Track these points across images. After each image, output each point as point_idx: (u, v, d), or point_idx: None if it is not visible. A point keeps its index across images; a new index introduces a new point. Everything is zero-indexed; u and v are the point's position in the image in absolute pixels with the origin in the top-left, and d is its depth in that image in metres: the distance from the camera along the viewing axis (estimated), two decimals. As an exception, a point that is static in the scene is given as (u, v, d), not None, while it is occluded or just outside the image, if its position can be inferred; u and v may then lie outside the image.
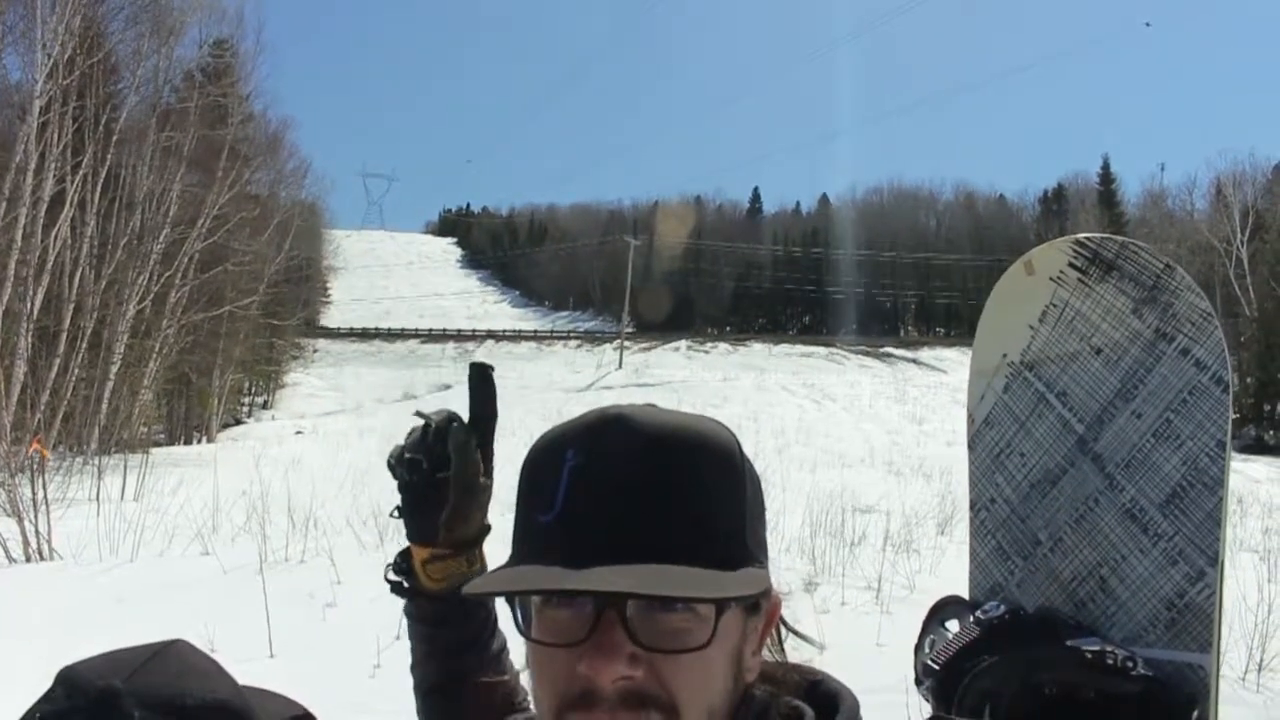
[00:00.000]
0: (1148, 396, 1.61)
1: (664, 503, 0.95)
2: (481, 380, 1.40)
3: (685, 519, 0.95)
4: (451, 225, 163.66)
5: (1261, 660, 7.93)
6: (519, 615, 1.00)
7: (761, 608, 1.03)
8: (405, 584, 1.42)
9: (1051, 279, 1.74)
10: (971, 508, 1.79)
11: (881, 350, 74.49)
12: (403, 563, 1.41)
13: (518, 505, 1.04)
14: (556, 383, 55.91)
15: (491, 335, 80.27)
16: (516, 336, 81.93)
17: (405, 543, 1.43)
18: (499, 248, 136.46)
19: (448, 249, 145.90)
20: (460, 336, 78.31)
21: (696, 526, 0.96)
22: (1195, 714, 1.40)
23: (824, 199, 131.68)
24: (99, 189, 29.41)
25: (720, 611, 0.94)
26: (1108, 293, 1.68)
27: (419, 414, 1.40)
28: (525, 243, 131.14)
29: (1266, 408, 49.22)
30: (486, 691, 1.43)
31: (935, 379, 57.56)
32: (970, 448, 1.81)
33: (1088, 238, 1.72)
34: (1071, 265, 1.72)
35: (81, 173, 28.21)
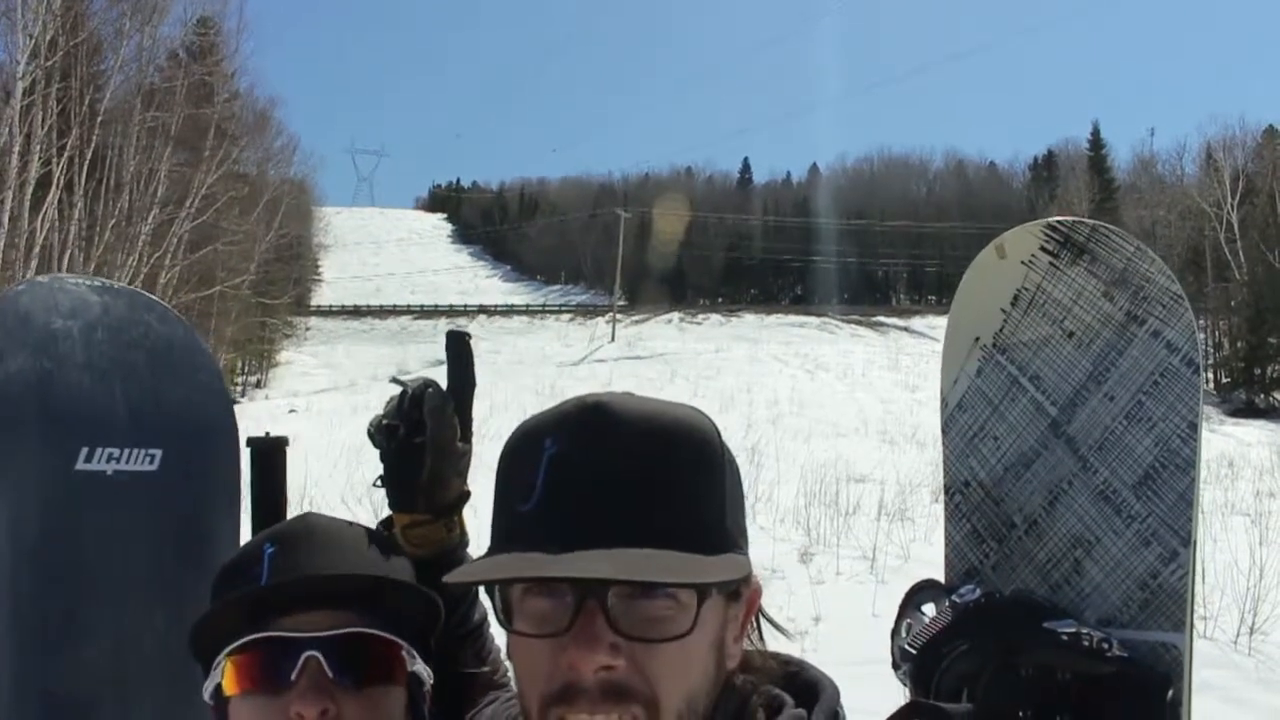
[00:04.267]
0: (1120, 379, 1.61)
1: (643, 490, 0.95)
2: (458, 348, 1.42)
3: (664, 506, 0.95)
4: (442, 201, 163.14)
5: (1253, 624, 7.99)
6: (500, 605, 1.00)
7: (742, 595, 1.04)
8: None
9: (1023, 263, 1.74)
10: (946, 491, 1.80)
11: (874, 319, 74.41)
12: (384, 531, 1.42)
13: (496, 495, 1.04)
14: (550, 357, 55.80)
15: (484, 310, 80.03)
16: (509, 311, 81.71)
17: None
18: (489, 222, 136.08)
19: (438, 224, 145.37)
20: (452, 312, 77.96)
21: (676, 513, 0.96)
22: (1170, 693, 1.42)
23: (814, 168, 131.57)
24: (85, 170, 29.20)
25: (702, 598, 0.94)
26: (1079, 276, 1.68)
27: (395, 381, 1.42)
28: (516, 217, 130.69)
29: (1257, 371, 49.38)
30: (468, 663, 1.45)
31: (928, 347, 57.50)
32: (944, 431, 1.81)
33: (1060, 221, 1.72)
34: (1043, 249, 1.72)
35: (67, 154, 28.01)
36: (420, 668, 1.24)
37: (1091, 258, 1.66)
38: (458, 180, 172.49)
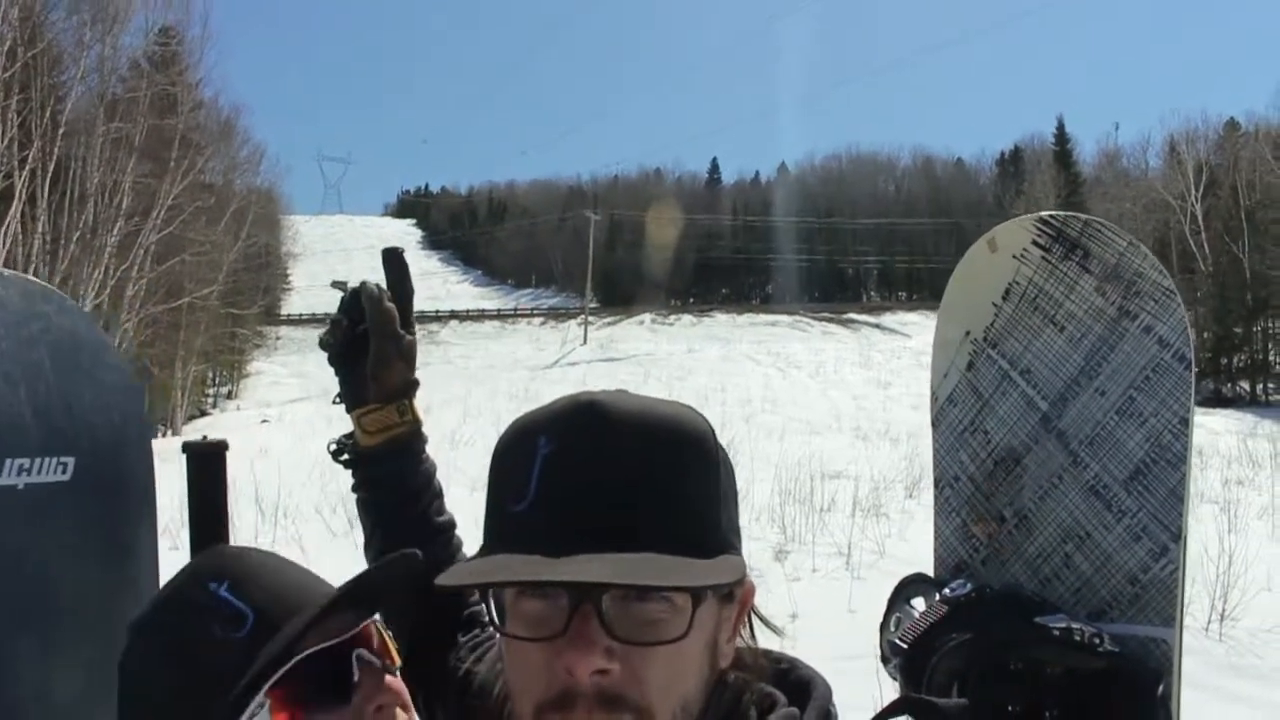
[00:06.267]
0: (1111, 374, 1.62)
1: (639, 490, 0.93)
2: (393, 261, 1.51)
3: (661, 507, 0.94)
4: (410, 206, 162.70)
5: (1224, 611, 8.11)
6: (493, 608, 0.98)
7: (736, 595, 1.02)
8: (346, 448, 1.49)
9: (1015, 257, 1.74)
10: (936, 485, 1.80)
11: (845, 317, 74.69)
12: (345, 438, 1.49)
13: (489, 495, 1.02)
14: (522, 360, 55.67)
15: (455, 315, 79.65)
16: (480, 316, 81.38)
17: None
18: (458, 227, 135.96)
19: (407, 230, 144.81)
20: (423, 318, 77.12)
21: (672, 514, 0.94)
22: (1160, 688, 1.41)
23: (783, 167, 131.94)
24: (48, 183, 28.86)
25: (697, 602, 0.93)
26: (1071, 270, 1.68)
27: (336, 284, 1.53)
28: (485, 221, 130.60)
29: (1224, 361, 50.02)
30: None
31: (899, 343, 57.89)
32: (934, 425, 1.81)
33: (1052, 216, 1.72)
34: (1035, 243, 1.72)
35: (29, 167, 27.69)
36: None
37: (1084, 252, 1.66)
38: (426, 185, 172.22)
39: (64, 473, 1.50)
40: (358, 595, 1.15)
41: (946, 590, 1.49)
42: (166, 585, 1.20)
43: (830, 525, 12.16)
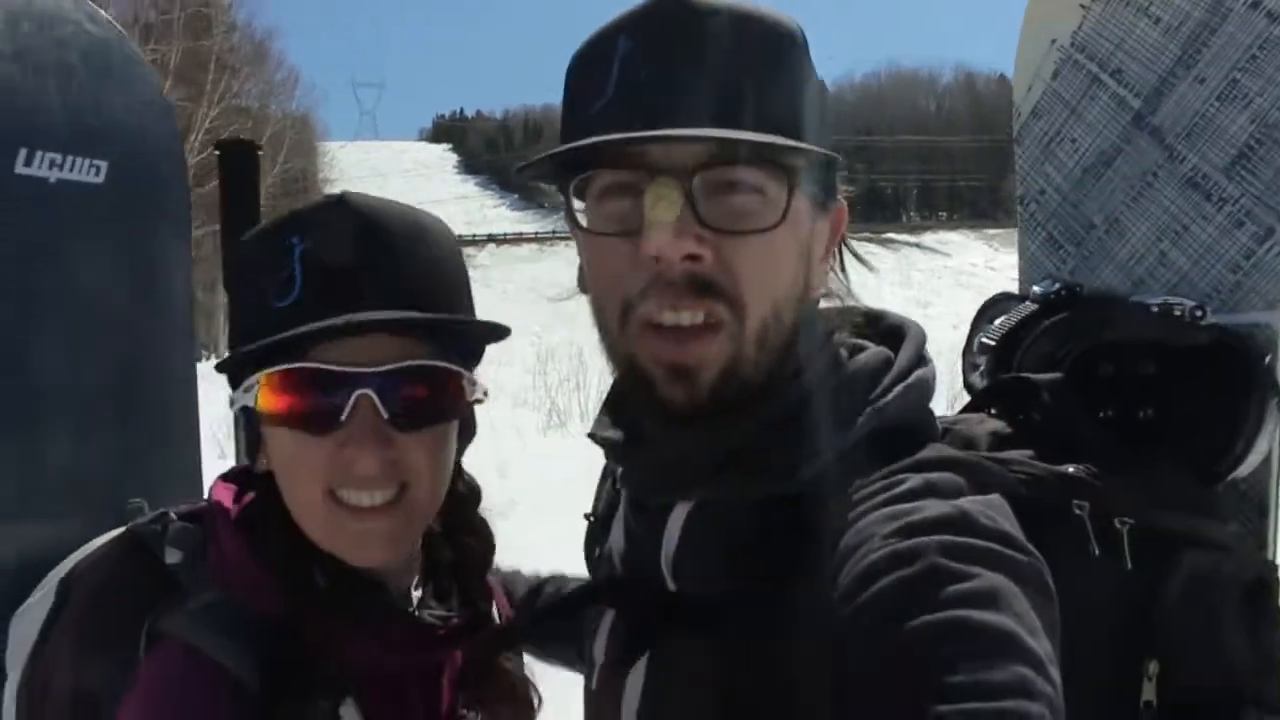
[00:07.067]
0: (1211, 59, 1.51)
1: (731, 76, 0.87)
2: None
3: (755, 92, 0.88)
4: (446, 131, 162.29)
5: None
6: (576, 210, 0.94)
7: (829, 209, 0.97)
8: None
9: (1106, -50, 1.64)
10: (1020, 202, 1.72)
11: (884, 237, 74.00)
12: None
13: (564, 109, 0.96)
14: (561, 282, 55.72)
15: (493, 239, 79.70)
16: (518, 239, 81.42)
17: None
18: (494, 151, 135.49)
19: (444, 155, 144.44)
20: (461, 242, 76.69)
21: (767, 101, 0.88)
22: (1268, 359, 1.35)
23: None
24: (86, 104, 29.02)
25: (791, 191, 0.88)
26: (1168, -46, 1.58)
27: None
28: (521, 145, 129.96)
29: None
30: None
31: (939, 263, 57.40)
32: (1017, 142, 1.73)
33: (1144, -106, 1.61)
34: (1127, -70, 1.61)
35: (67, 88, 27.82)
36: (478, 391, 1.13)
37: (1183, -70, 1.56)
38: (461, 110, 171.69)
39: (97, 175, 1.46)
40: (426, 328, 1.05)
41: (1035, 289, 1.42)
42: (282, 210, 1.15)
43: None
